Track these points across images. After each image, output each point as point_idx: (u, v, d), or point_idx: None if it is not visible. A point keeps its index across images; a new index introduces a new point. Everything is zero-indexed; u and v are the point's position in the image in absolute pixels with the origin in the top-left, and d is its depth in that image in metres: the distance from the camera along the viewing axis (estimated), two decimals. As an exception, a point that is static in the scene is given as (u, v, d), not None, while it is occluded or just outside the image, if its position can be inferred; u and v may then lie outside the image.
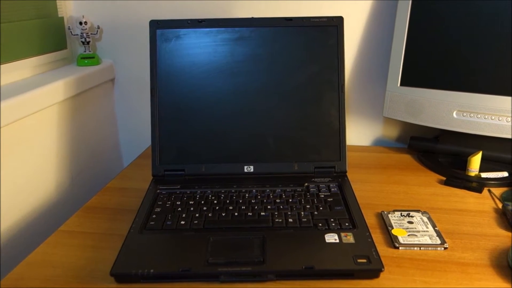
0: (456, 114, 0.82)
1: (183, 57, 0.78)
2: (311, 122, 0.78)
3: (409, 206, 0.73)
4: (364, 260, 0.55)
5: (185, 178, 0.77)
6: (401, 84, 0.87)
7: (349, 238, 0.60)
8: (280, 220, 0.64)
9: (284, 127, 0.78)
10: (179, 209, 0.67)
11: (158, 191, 0.73)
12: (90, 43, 1.00)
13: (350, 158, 0.77)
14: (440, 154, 0.90)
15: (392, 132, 1.02)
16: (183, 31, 0.78)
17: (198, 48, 0.78)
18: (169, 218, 0.65)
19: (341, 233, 0.60)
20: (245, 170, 0.77)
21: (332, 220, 0.64)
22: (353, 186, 0.75)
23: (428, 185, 0.80)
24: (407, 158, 0.92)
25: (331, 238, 0.60)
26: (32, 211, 0.82)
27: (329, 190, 0.72)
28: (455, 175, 0.81)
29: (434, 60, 0.83)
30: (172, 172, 0.77)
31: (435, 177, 0.83)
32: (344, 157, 0.77)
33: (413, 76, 0.86)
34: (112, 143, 1.08)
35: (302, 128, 0.78)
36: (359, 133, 1.02)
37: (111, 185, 0.82)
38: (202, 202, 0.69)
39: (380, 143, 1.03)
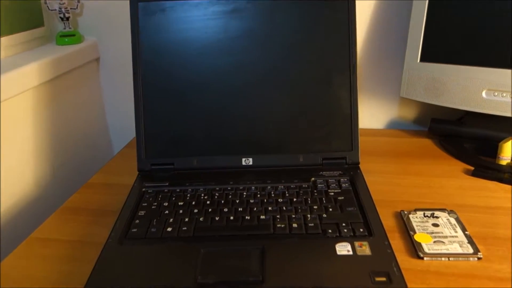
0: (486, 93, 0.71)
1: (170, 34, 0.67)
2: (318, 107, 0.67)
3: (432, 203, 0.63)
4: (383, 279, 0.46)
5: (174, 173, 0.67)
6: (422, 60, 0.76)
7: (364, 248, 0.50)
8: (282, 226, 0.55)
9: (287, 113, 0.68)
10: (166, 212, 0.58)
11: (143, 189, 0.64)
12: (70, 19, 0.89)
13: (362, 144, 0.67)
14: (465, 138, 0.79)
15: (410, 114, 0.91)
16: (169, 3, 0.67)
17: (187, 23, 0.67)
18: (154, 223, 0.56)
19: (355, 243, 0.51)
20: (243, 163, 0.68)
21: (344, 224, 0.54)
22: (366, 179, 0.65)
23: (453, 176, 0.70)
24: (427, 143, 0.82)
25: (343, 249, 0.50)
26: (6, 211, 0.74)
27: (340, 186, 0.63)
28: (484, 164, 0.71)
29: (460, 31, 0.71)
30: (160, 167, 0.68)
31: (460, 166, 0.73)
32: (356, 147, 0.67)
33: (436, 50, 0.74)
34: (100, 129, 0.99)
35: (308, 114, 0.67)
36: (371, 115, 0.92)
37: (94, 180, 0.73)
38: (193, 203, 0.60)
39: (395, 126, 0.92)
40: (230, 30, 0.67)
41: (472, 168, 0.71)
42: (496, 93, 0.70)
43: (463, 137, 0.79)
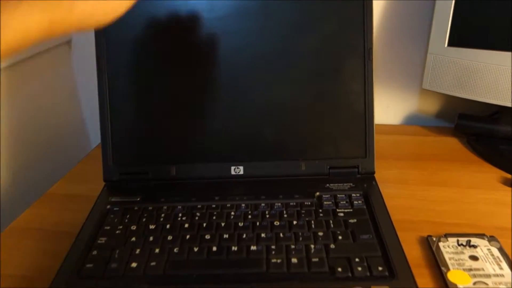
0: (530, 86, 0.58)
1: (142, 12, 0.54)
2: (324, 104, 0.55)
3: (466, 225, 0.51)
4: None
5: (149, 184, 0.55)
6: (450, 44, 0.63)
7: (385, 297, 0.38)
8: (278, 261, 0.43)
9: (287, 110, 0.55)
10: (133, 239, 0.46)
11: (108, 206, 0.52)
12: (34, -6, 0.75)
13: (376, 145, 0.54)
14: (500, 139, 0.66)
15: (432, 107, 0.78)
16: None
17: (161, 6, 0.54)
18: (116, 256, 0.44)
19: (372, 288, 0.39)
20: (233, 173, 0.55)
21: (357, 260, 0.42)
22: (383, 191, 0.53)
23: (488, 187, 0.57)
24: (453, 143, 0.69)
25: (358, 298, 0.38)
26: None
27: (351, 204, 0.50)
28: (526, 173, 0.58)
29: (500, 7, 0.58)
30: (131, 176, 0.55)
31: (496, 173, 0.60)
32: (371, 153, 0.55)
33: (468, 32, 0.61)
34: (74, 125, 0.86)
35: (312, 112, 0.55)
36: (387, 107, 0.78)
37: (54, 190, 0.61)
38: (168, 226, 0.48)
39: (415, 121, 0.79)
40: (217, 8, 0.53)
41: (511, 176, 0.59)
42: (543, 86, 0.57)
43: (497, 137, 0.66)
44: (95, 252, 0.45)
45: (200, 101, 0.55)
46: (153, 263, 0.43)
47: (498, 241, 0.47)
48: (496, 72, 0.59)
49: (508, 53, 0.58)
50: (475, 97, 0.62)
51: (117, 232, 0.47)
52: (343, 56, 0.54)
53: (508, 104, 0.60)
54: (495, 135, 0.66)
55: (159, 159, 0.55)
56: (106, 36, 0.54)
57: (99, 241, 0.46)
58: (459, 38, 0.62)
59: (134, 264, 0.43)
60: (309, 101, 0.55)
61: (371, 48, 0.54)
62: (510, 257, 0.44)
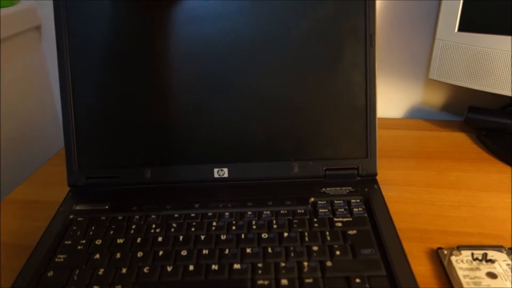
0: (550, 75, 0.52)
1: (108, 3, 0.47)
2: (320, 97, 0.48)
3: (480, 233, 0.44)
4: None
5: (120, 188, 0.49)
6: (460, 29, 0.56)
7: (391, 328, 0.32)
8: (266, 283, 0.36)
9: (276, 105, 0.48)
10: (97, 256, 0.40)
11: (71, 216, 0.45)
12: (-2, -25, 0.68)
13: (377, 141, 0.48)
14: (514, 134, 0.60)
15: (439, 99, 0.71)
16: None
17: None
18: (75, 279, 0.38)
19: (376, 317, 0.33)
20: (216, 176, 0.49)
21: (358, 281, 0.36)
22: (385, 195, 0.47)
23: (503, 189, 0.51)
24: (462, 139, 0.63)
25: (359, 331, 0.32)
26: None
27: (350, 212, 0.44)
28: (545, 173, 0.52)
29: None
30: (99, 180, 0.49)
31: (510, 173, 0.54)
32: (373, 152, 0.48)
33: (480, 15, 0.54)
34: (46, 118, 0.79)
35: (305, 106, 0.48)
36: (390, 99, 0.72)
37: (16, 194, 0.54)
38: (139, 240, 0.41)
39: (420, 114, 0.72)
40: (195, -13, 0.46)
41: (529, 177, 0.52)
42: None
43: (510, 132, 0.60)
44: (51, 273, 0.38)
45: (178, 95, 0.48)
46: (118, 287, 0.36)
47: (519, 255, 0.40)
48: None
49: (526, 39, 0.52)
50: (488, 89, 0.56)
51: (79, 247, 0.41)
52: (342, 42, 0.47)
53: (525, 96, 0.53)
54: (508, 130, 0.60)
55: (131, 162, 0.49)
56: (69, 26, 0.47)
57: (57, 259, 0.40)
58: (470, 22, 0.55)
59: (95, 288, 0.36)
60: (303, 94, 0.48)
61: (373, 34, 0.47)
62: (535, 275, 0.38)
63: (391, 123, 0.69)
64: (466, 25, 0.56)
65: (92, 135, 0.48)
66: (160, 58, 0.47)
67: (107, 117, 0.48)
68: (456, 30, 0.56)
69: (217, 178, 0.49)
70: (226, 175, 0.48)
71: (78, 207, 0.46)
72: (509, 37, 0.52)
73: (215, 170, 0.48)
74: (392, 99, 0.71)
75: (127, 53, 0.48)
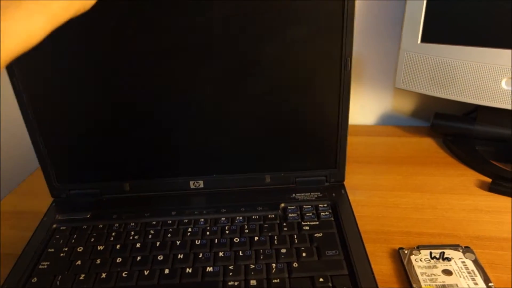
0: (506, 83, 0.55)
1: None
2: (293, 115, 0.49)
3: (440, 234, 0.47)
4: None
5: (101, 199, 0.51)
6: (423, 40, 0.59)
7: (349, 322, 0.35)
8: (236, 284, 0.39)
9: (249, 122, 0.49)
10: (78, 263, 0.42)
11: (54, 225, 0.48)
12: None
13: (348, 148, 0.51)
14: (477, 139, 0.63)
15: (407, 106, 0.74)
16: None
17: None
18: (58, 283, 0.40)
19: (336, 313, 0.36)
20: (192, 187, 0.51)
21: (321, 280, 0.39)
22: (352, 199, 0.50)
23: (465, 192, 0.54)
24: (429, 143, 0.66)
25: (319, 325, 0.35)
26: None
27: (318, 216, 0.47)
28: (503, 175, 0.55)
29: (473, 1, 0.55)
30: (81, 191, 0.51)
31: (473, 176, 0.57)
32: (342, 164, 0.51)
33: (442, 27, 0.58)
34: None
35: (278, 124, 0.49)
36: (361, 107, 0.75)
37: (2, 206, 0.56)
38: (118, 247, 0.44)
39: (390, 121, 0.76)
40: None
41: (489, 179, 0.56)
42: (520, 83, 0.54)
43: (474, 137, 0.63)
44: (35, 279, 0.41)
45: (157, 109, 0.49)
46: (97, 291, 0.39)
47: (473, 253, 0.43)
48: (472, 69, 0.56)
49: (484, 49, 0.55)
50: (450, 96, 0.59)
51: (62, 255, 0.43)
52: (316, 66, 0.47)
53: (486, 104, 0.57)
54: (471, 135, 0.63)
55: (110, 176, 0.51)
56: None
57: (40, 266, 0.42)
58: (432, 34, 0.59)
59: (76, 293, 0.39)
60: (275, 113, 0.49)
61: (349, 58, 0.46)
62: (484, 270, 0.41)
63: (362, 130, 0.72)
64: (429, 36, 0.59)
65: (66, 154, 0.50)
66: (129, 78, 0.47)
67: (78, 136, 0.49)
68: (419, 41, 0.59)
69: (193, 188, 0.51)
70: (201, 186, 0.51)
71: (60, 217, 0.48)
72: (469, 47, 0.56)
73: (191, 182, 0.51)
74: (364, 107, 0.74)
75: (90, 69, 0.46)
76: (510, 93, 0.55)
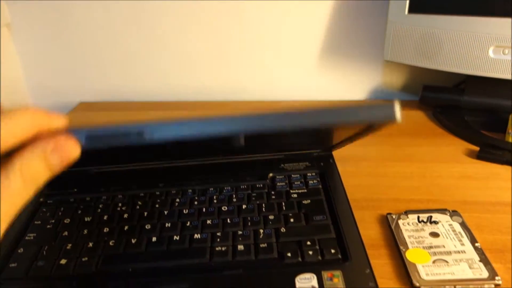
0: (494, 51, 0.55)
1: None
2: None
3: (428, 200, 0.48)
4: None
5: (93, 174, 0.51)
6: (410, 11, 0.59)
7: (336, 281, 0.35)
8: (223, 249, 0.39)
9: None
10: (65, 233, 0.42)
11: (41, 199, 0.47)
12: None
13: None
14: (466, 110, 0.63)
15: (396, 80, 0.74)
16: None
17: None
18: (44, 254, 0.40)
19: (323, 273, 0.36)
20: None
21: (309, 243, 0.39)
22: (342, 170, 0.50)
23: (453, 160, 0.54)
24: (418, 116, 0.66)
25: (306, 284, 0.35)
26: None
27: (306, 184, 0.47)
28: (491, 143, 0.56)
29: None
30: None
31: (461, 146, 0.57)
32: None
33: (428, -3, 0.58)
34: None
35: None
36: (351, 82, 0.75)
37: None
38: (105, 218, 0.44)
39: (379, 95, 0.76)
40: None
41: (477, 148, 0.56)
42: (507, 51, 0.54)
43: (463, 108, 0.63)
44: (21, 250, 0.40)
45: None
46: (84, 259, 0.39)
47: (460, 216, 0.44)
48: (460, 39, 0.56)
49: (471, 18, 0.55)
50: (438, 67, 0.59)
51: (48, 226, 0.43)
52: None
53: (473, 73, 0.57)
54: (460, 106, 0.63)
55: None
56: None
57: (27, 238, 0.42)
58: (420, 4, 0.59)
59: (63, 261, 0.39)
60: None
61: None
62: (471, 231, 0.41)
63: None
64: (416, 7, 0.59)
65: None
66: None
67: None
68: (406, 12, 0.59)
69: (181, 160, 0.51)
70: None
71: (47, 192, 0.48)
72: (456, 17, 0.56)
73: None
74: (353, 82, 0.74)
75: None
76: (497, 62, 0.55)
